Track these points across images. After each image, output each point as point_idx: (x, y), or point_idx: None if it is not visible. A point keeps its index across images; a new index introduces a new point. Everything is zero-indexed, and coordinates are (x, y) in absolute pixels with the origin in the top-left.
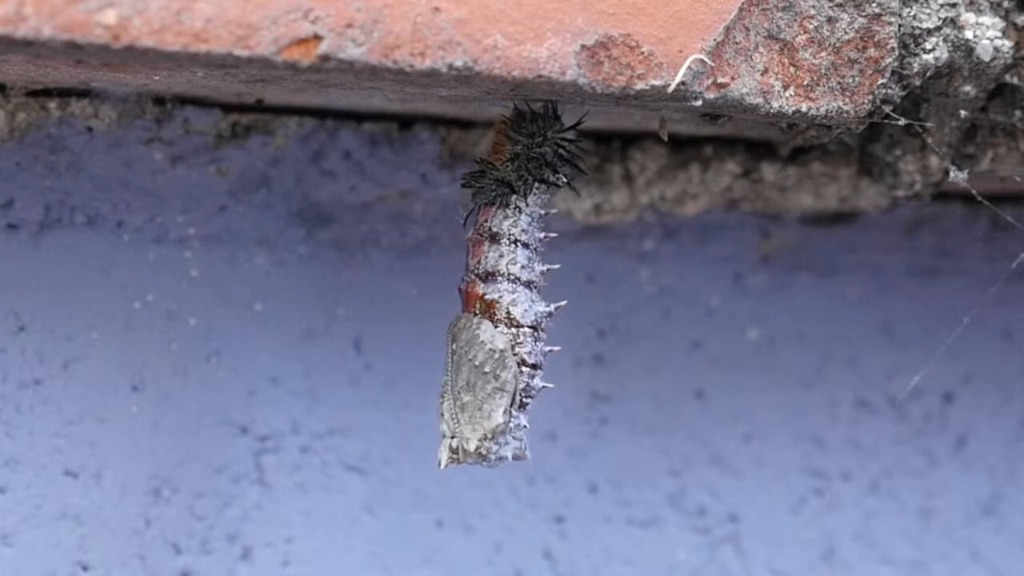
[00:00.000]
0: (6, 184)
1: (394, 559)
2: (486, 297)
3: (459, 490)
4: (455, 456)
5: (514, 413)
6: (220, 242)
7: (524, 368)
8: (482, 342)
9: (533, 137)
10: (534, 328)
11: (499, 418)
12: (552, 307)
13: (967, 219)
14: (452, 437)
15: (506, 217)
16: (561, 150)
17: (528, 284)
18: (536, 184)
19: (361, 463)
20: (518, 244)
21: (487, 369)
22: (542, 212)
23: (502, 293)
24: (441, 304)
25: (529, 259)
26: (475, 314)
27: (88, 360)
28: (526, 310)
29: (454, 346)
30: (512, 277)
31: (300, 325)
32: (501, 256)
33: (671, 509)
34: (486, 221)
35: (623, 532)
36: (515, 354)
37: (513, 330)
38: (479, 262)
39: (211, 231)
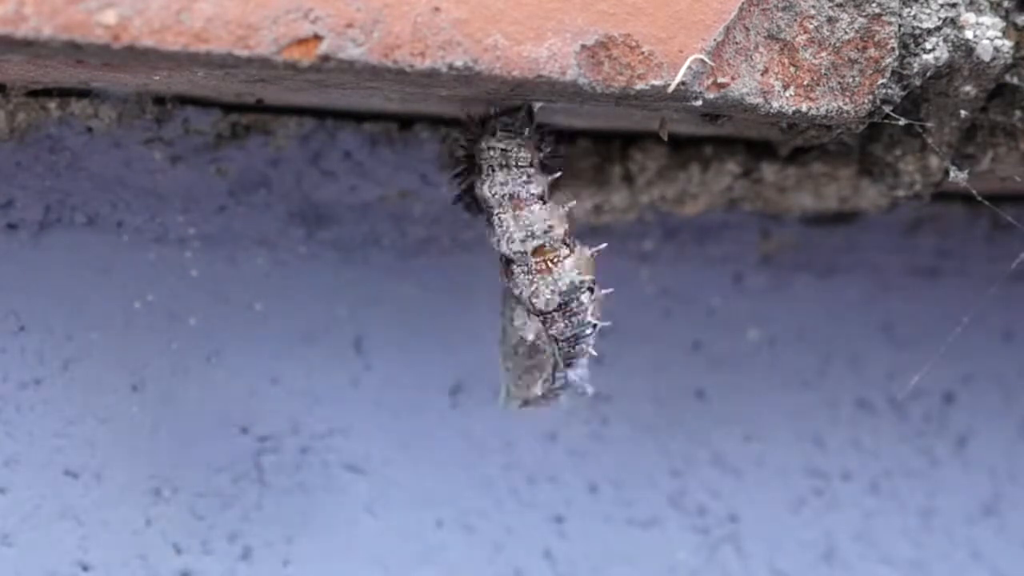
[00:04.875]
0: (6, 184)
1: (394, 559)
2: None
3: (459, 490)
4: (508, 401)
5: (558, 376)
6: (220, 242)
7: (561, 343)
8: (516, 327)
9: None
10: (561, 308)
11: (537, 390)
12: (576, 278)
13: (967, 219)
14: (506, 385)
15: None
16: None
17: (538, 253)
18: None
19: (361, 463)
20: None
21: (520, 351)
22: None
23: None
24: (441, 304)
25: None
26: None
27: (88, 360)
28: (548, 299)
29: (503, 309)
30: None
31: (300, 325)
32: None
33: (671, 509)
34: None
35: (623, 532)
36: (550, 335)
37: (539, 318)
38: None
39: (211, 231)
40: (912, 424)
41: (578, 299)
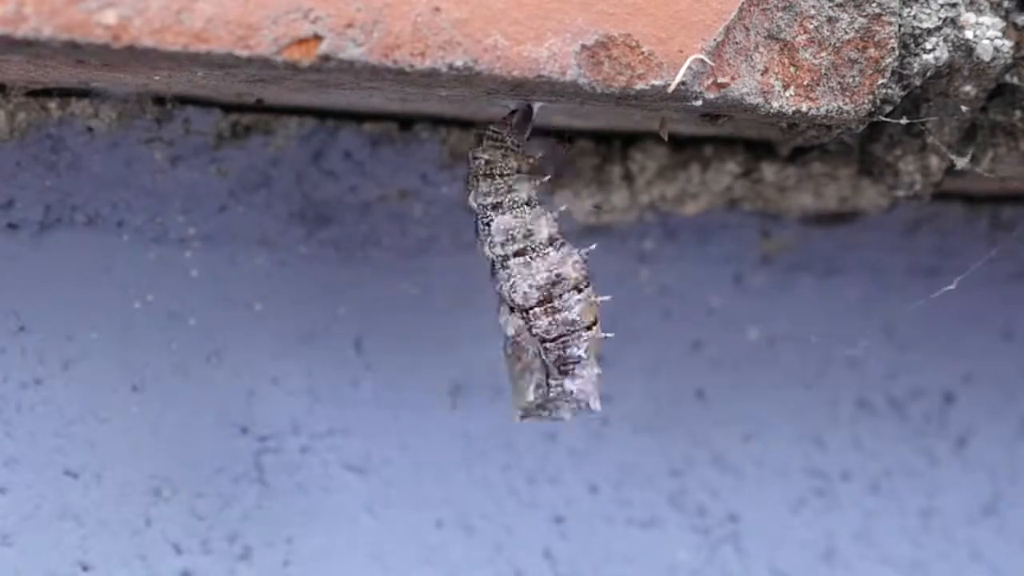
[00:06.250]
0: (6, 184)
1: (394, 559)
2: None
3: (459, 490)
4: (513, 411)
5: (552, 383)
6: (220, 242)
7: (548, 344)
8: (500, 324)
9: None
10: (542, 304)
11: (530, 396)
12: (554, 273)
13: (967, 219)
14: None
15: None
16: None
17: (520, 255)
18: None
19: (361, 463)
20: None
21: (509, 352)
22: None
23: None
24: (441, 304)
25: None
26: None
27: (88, 360)
28: (526, 293)
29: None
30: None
31: (300, 325)
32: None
33: (671, 509)
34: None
35: (623, 532)
36: (533, 334)
37: (520, 315)
38: None
39: (211, 231)
40: (912, 424)
41: (560, 296)
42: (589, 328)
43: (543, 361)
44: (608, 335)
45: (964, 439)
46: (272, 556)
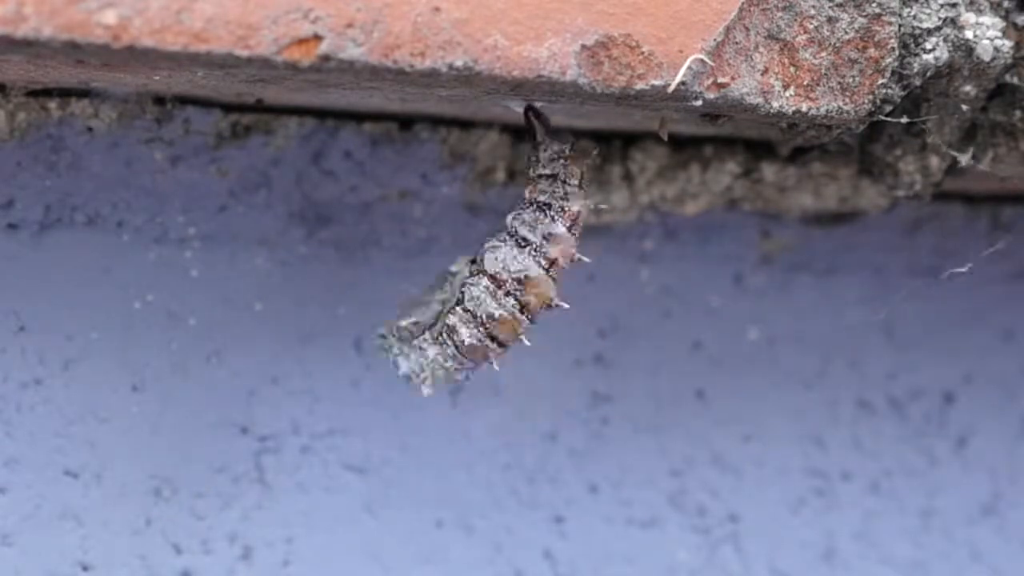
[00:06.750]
0: (6, 184)
1: (394, 559)
2: None
3: (459, 490)
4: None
5: (427, 337)
6: (220, 242)
7: (464, 319)
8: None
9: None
10: (495, 281)
11: (403, 322)
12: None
13: (967, 219)
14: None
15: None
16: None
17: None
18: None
19: (361, 463)
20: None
21: (446, 293)
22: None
23: None
24: None
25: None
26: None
27: (88, 360)
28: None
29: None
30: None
31: (300, 325)
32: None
33: (671, 509)
34: None
35: (623, 532)
36: (459, 303)
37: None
38: None
39: (211, 231)
40: (912, 424)
41: (509, 293)
42: (501, 344)
43: (444, 323)
44: (501, 352)
45: (964, 439)
46: (272, 556)
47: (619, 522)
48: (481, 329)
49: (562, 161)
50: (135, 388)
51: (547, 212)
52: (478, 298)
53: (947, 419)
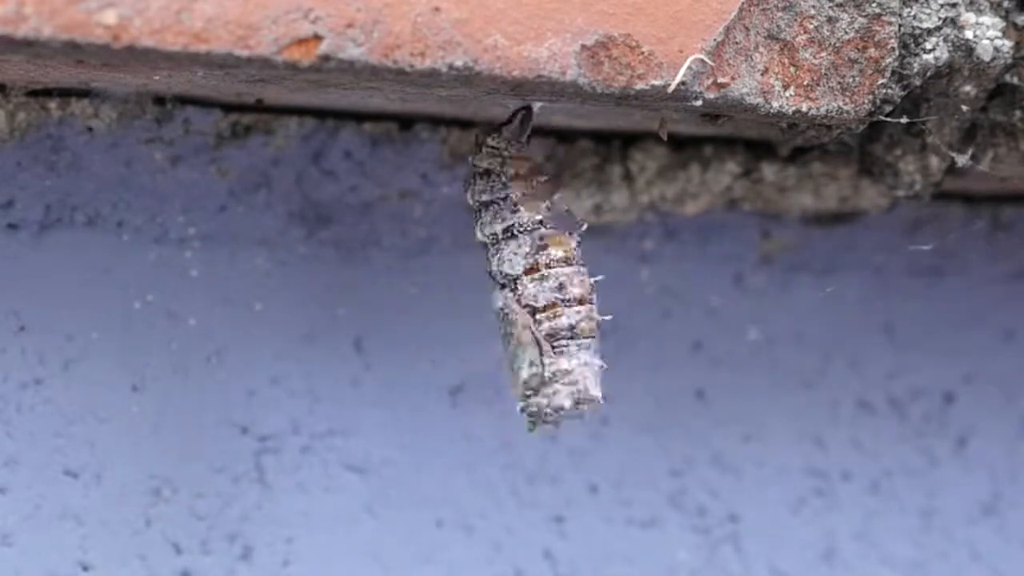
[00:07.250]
0: (6, 184)
1: (394, 559)
2: None
3: (459, 490)
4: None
5: (547, 361)
6: (220, 242)
7: (537, 315)
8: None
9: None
10: (529, 271)
11: (524, 374)
12: (541, 242)
13: (967, 219)
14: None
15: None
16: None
17: (509, 236)
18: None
19: (361, 463)
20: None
21: (503, 331)
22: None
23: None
24: (441, 304)
25: (495, 214)
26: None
27: (88, 360)
28: (512, 260)
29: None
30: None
31: (300, 325)
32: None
33: (671, 509)
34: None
35: (623, 532)
36: (523, 305)
37: (510, 287)
38: None
39: (211, 231)
40: (912, 424)
41: (548, 264)
42: (581, 302)
43: (534, 335)
44: (605, 317)
45: (964, 439)
46: (272, 556)
47: (619, 522)
48: (561, 306)
49: (499, 159)
50: (135, 388)
51: (501, 206)
52: (532, 294)
53: (947, 419)
